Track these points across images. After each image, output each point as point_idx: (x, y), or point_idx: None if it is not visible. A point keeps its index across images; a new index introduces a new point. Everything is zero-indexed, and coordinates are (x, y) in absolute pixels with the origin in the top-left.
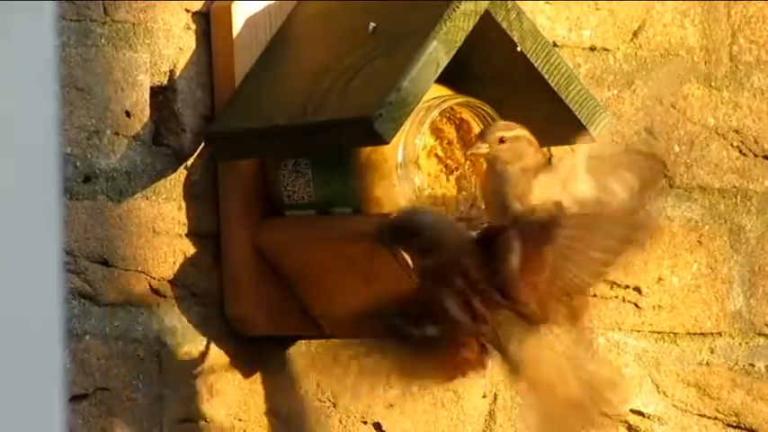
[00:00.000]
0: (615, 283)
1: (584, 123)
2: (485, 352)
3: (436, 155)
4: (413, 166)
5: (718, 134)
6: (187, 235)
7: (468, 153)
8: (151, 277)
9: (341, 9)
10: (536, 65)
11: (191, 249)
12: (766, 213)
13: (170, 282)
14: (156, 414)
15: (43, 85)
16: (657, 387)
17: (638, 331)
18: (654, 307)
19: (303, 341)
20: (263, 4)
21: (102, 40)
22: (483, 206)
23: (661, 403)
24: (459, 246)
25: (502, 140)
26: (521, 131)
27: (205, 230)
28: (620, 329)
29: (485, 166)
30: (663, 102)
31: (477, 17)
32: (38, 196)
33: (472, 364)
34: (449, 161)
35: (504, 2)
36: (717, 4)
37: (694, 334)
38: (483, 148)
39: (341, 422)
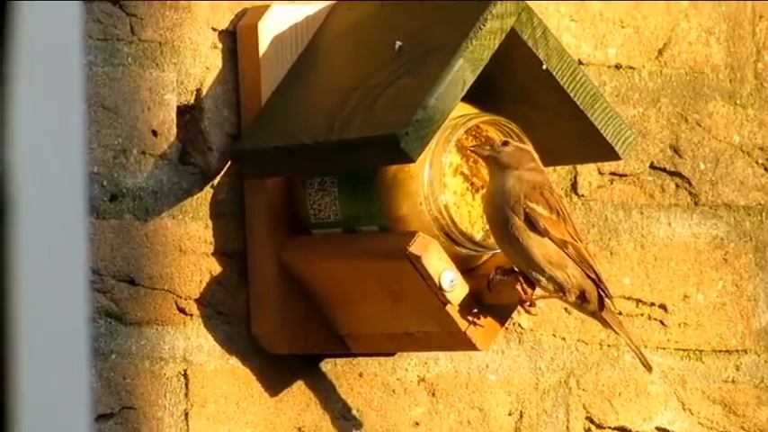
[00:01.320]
0: (641, 301)
1: (610, 141)
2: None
3: (462, 173)
4: (439, 185)
5: (743, 152)
6: (213, 254)
7: (471, 149)
8: (177, 296)
9: (367, 27)
10: (562, 83)
11: (217, 268)
12: None
13: (196, 300)
14: None
15: (70, 105)
16: (683, 404)
17: (664, 348)
18: (679, 324)
19: (329, 359)
20: (289, 23)
21: (129, 60)
22: (485, 215)
23: (687, 421)
24: None
25: (505, 143)
26: (527, 147)
27: (231, 249)
28: (645, 347)
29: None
30: (688, 119)
31: (504, 35)
32: (65, 215)
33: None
34: (475, 179)
35: (530, 20)
36: (742, 21)
37: (720, 351)
38: (485, 150)
39: None
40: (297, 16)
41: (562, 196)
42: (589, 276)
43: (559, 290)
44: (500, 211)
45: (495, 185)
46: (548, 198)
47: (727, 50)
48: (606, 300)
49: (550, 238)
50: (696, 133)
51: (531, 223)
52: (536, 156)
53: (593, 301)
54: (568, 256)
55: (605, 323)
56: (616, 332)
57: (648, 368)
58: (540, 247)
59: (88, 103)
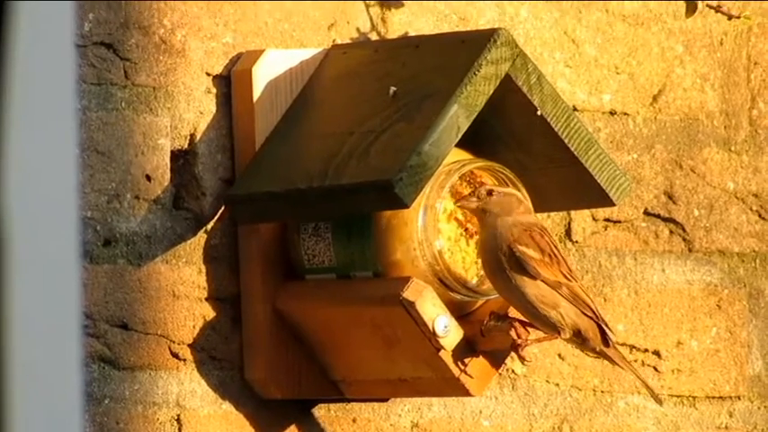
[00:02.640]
0: (635, 347)
1: (605, 188)
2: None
3: (456, 219)
4: (433, 230)
5: (737, 198)
6: (207, 299)
7: (457, 204)
8: (171, 341)
9: (361, 73)
10: (556, 129)
11: (210, 313)
12: None
13: (190, 345)
14: None
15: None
16: None
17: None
18: (673, 371)
19: (323, 404)
20: (283, 68)
21: (123, 104)
22: (480, 263)
23: None
24: None
25: (490, 193)
26: (512, 190)
27: (225, 294)
28: (639, 393)
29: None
30: (682, 166)
31: (498, 81)
32: (58, 260)
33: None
34: (469, 225)
35: (525, 66)
36: (737, 68)
37: (713, 398)
38: (472, 202)
39: None
40: (291, 61)
41: (553, 237)
42: (586, 314)
43: (554, 330)
44: (493, 257)
45: (486, 232)
46: (538, 241)
47: (721, 97)
48: (609, 336)
49: (543, 280)
50: (690, 180)
51: (522, 266)
52: (524, 198)
53: (591, 338)
54: (562, 296)
55: (611, 360)
56: (623, 368)
57: (659, 402)
58: (533, 288)
59: (82, 147)
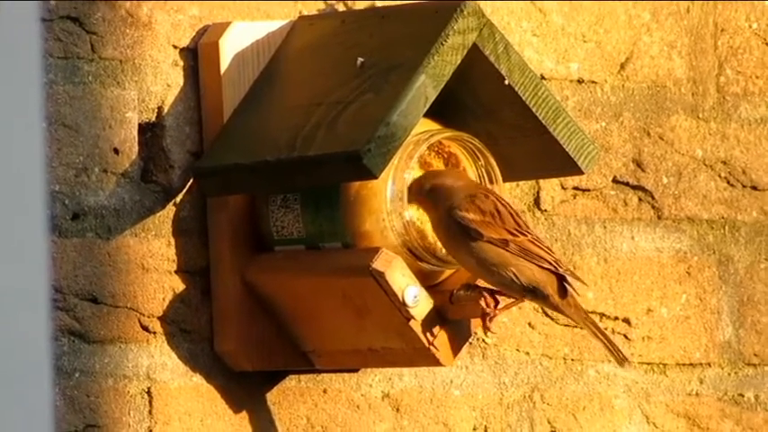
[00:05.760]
0: (604, 315)
1: (573, 156)
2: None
3: None
4: (402, 201)
5: (705, 165)
6: (176, 271)
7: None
8: (140, 314)
9: (328, 44)
10: (524, 98)
11: (180, 286)
12: (754, 244)
13: (159, 318)
14: None
15: (31, 123)
16: (647, 418)
17: (628, 362)
18: (643, 338)
19: (293, 376)
20: (250, 40)
21: (90, 78)
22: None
23: None
24: None
25: (432, 189)
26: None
27: (194, 267)
28: (609, 361)
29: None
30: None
31: (465, 51)
32: (26, 234)
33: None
34: None
35: (492, 35)
36: (704, 35)
37: (683, 365)
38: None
39: None
40: (258, 33)
41: (502, 197)
42: (542, 267)
43: (511, 290)
44: (440, 228)
45: (433, 213)
46: (479, 203)
47: (689, 64)
48: (568, 288)
49: (488, 241)
50: (659, 147)
51: (465, 231)
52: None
53: (550, 294)
54: (511, 253)
55: (570, 317)
56: (581, 325)
57: (621, 361)
58: (480, 251)
59: (49, 121)
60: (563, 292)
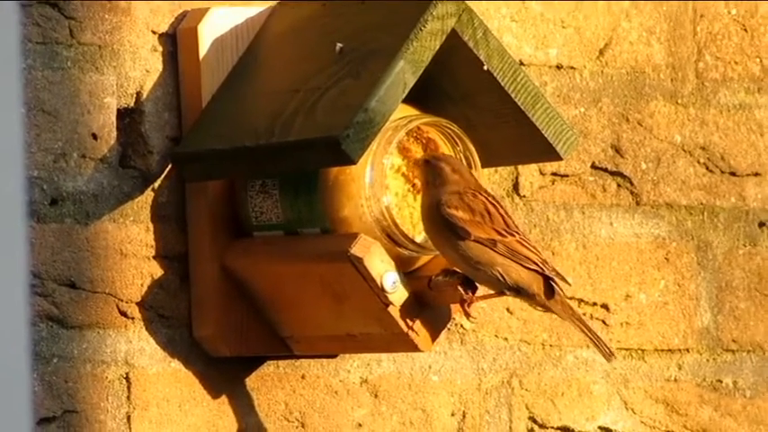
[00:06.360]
0: (583, 301)
1: (552, 142)
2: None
3: (404, 175)
4: (380, 186)
5: (684, 151)
6: (155, 257)
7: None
8: (119, 299)
9: (307, 29)
10: (503, 83)
11: (158, 271)
12: (733, 230)
13: (138, 304)
14: None
15: (9, 109)
16: (626, 404)
17: None
18: (622, 324)
19: (271, 361)
20: (229, 25)
21: (69, 63)
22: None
23: (629, 420)
24: None
25: (427, 162)
26: (448, 157)
27: (173, 252)
28: (588, 347)
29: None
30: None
31: (444, 36)
32: (4, 219)
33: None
34: (416, 181)
35: (471, 21)
36: (683, 21)
37: (662, 351)
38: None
39: None
40: (237, 18)
41: (492, 196)
42: (528, 267)
43: (497, 288)
44: (429, 221)
45: (425, 199)
46: (468, 201)
47: (668, 50)
48: (556, 288)
49: (475, 240)
50: (637, 133)
51: (453, 228)
52: (460, 162)
53: (536, 293)
54: (498, 253)
55: (559, 315)
56: (571, 323)
57: (608, 358)
58: (467, 249)
59: (27, 107)
60: (550, 291)
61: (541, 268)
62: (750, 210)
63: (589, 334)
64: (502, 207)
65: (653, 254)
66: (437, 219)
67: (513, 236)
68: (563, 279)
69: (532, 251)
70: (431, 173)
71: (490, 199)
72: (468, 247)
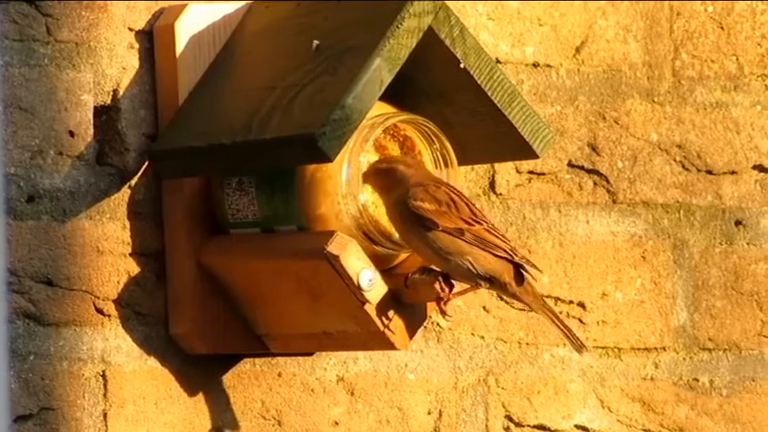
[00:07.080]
0: (559, 299)
1: (528, 140)
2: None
3: None
4: (357, 184)
5: (661, 149)
6: (131, 254)
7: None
8: (95, 297)
9: (284, 26)
10: (479, 81)
11: (135, 269)
12: (709, 228)
13: (114, 301)
14: None
15: None
16: (602, 402)
17: None
18: (598, 322)
19: (248, 359)
20: (206, 22)
21: (46, 60)
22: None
23: (606, 418)
24: None
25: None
26: (393, 165)
27: (149, 250)
28: (564, 345)
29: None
30: (605, 117)
31: (421, 34)
32: None
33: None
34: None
35: (448, 18)
36: (659, 19)
37: (638, 349)
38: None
39: None
40: (214, 16)
41: (455, 187)
42: (498, 255)
43: (470, 279)
44: (396, 218)
45: (387, 200)
46: (433, 192)
47: (644, 48)
48: (526, 275)
49: (443, 230)
50: (614, 131)
51: (420, 221)
52: (409, 165)
53: (507, 281)
54: (466, 242)
55: (528, 305)
56: (538, 313)
57: (579, 348)
58: (435, 240)
59: (4, 104)
60: (520, 279)
61: (510, 255)
62: (726, 208)
63: (560, 326)
64: (465, 196)
65: (629, 252)
66: (405, 213)
67: (481, 224)
68: (533, 266)
69: (500, 239)
70: (385, 178)
71: (453, 189)
72: (437, 237)
